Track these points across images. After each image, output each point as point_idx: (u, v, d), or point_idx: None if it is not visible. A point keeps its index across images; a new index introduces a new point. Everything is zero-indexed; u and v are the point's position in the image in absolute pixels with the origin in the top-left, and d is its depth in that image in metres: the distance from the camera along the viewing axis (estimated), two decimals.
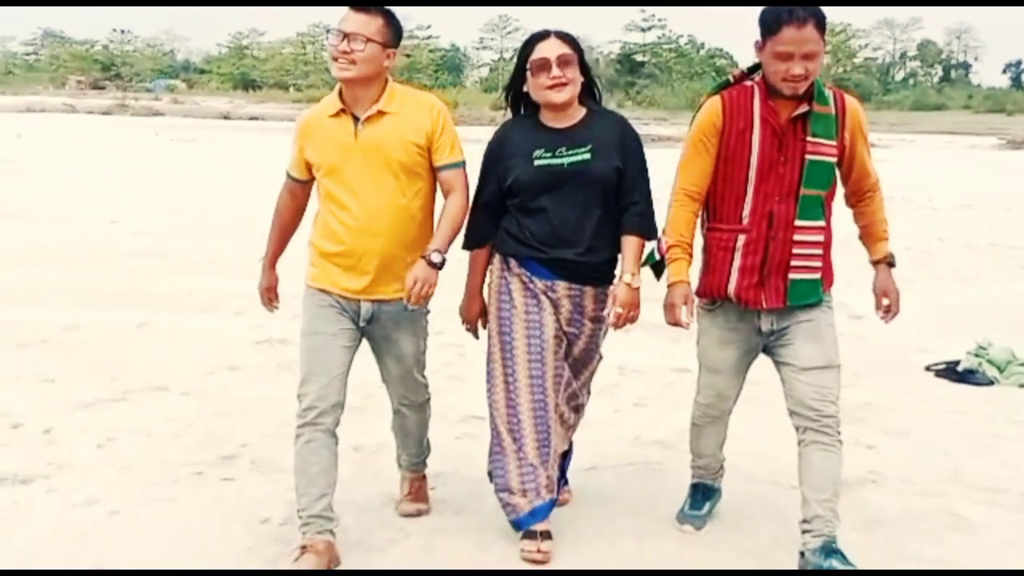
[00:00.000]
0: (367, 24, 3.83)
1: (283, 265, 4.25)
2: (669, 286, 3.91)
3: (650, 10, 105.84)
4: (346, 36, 3.80)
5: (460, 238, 4.06)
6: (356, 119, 3.89)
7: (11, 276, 9.47)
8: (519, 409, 3.99)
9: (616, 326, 3.95)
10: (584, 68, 3.99)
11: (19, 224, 12.82)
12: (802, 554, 3.79)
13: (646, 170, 4.04)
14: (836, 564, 3.67)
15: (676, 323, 3.88)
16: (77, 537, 4.09)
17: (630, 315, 3.93)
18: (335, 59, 3.82)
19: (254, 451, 5.08)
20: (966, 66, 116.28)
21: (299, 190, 4.13)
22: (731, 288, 3.86)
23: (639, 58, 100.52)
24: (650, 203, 4.03)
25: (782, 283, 3.81)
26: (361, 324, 3.99)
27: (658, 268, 4.00)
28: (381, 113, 3.89)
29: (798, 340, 3.86)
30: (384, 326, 4.03)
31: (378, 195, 3.87)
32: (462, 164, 4.01)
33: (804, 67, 3.62)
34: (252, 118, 48.54)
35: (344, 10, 3.87)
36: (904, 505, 4.51)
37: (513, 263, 4.03)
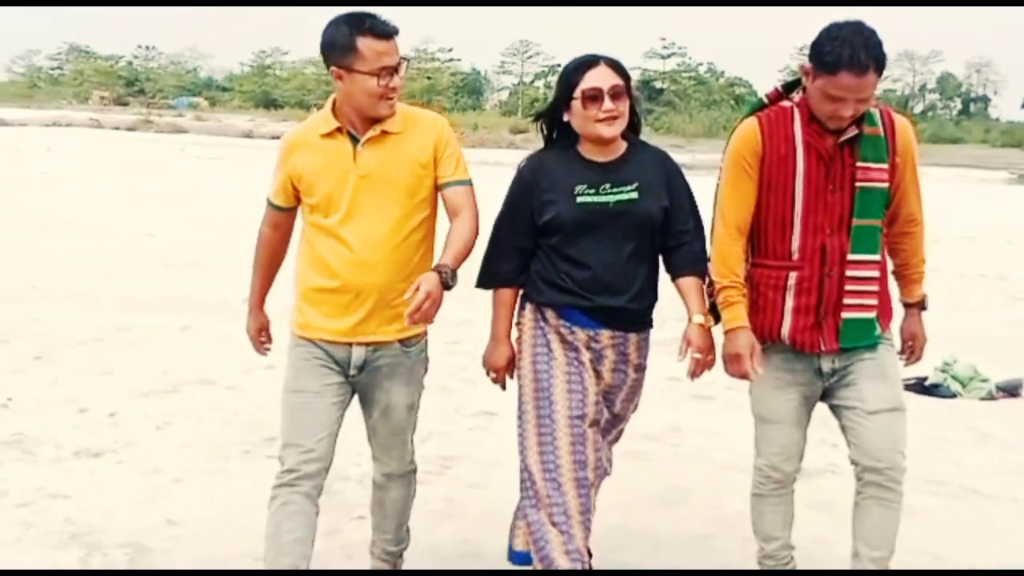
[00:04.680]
0: (398, 47, 3.48)
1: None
2: (727, 332, 3.57)
3: (670, 37, 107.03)
4: (395, 69, 3.45)
5: (471, 275, 3.67)
6: (355, 140, 3.53)
7: (63, 282, 10.33)
8: (560, 476, 3.55)
9: (695, 374, 3.62)
10: (630, 99, 3.62)
11: (65, 234, 13.69)
12: None
13: (696, 205, 3.73)
14: None
15: (743, 375, 3.55)
16: (148, 499, 4.82)
17: (708, 360, 3.59)
18: (384, 97, 3.45)
19: None
20: (985, 100, 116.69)
21: (284, 220, 3.72)
22: (785, 331, 3.54)
23: (658, 85, 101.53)
24: (704, 240, 3.72)
25: (838, 323, 3.51)
26: (351, 373, 3.61)
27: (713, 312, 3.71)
28: (384, 134, 3.52)
29: (863, 380, 3.55)
30: (377, 374, 3.64)
31: (378, 224, 3.50)
32: (470, 183, 3.66)
33: (855, 109, 3.33)
34: (274, 137, 49.39)
35: (373, 43, 3.40)
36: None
37: (550, 313, 3.64)
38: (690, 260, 3.68)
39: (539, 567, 3.54)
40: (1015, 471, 5.68)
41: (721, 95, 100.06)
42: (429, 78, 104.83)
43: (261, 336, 3.88)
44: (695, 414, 6.50)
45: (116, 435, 5.73)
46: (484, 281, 3.74)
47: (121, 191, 19.68)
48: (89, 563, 4.15)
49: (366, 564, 4.04)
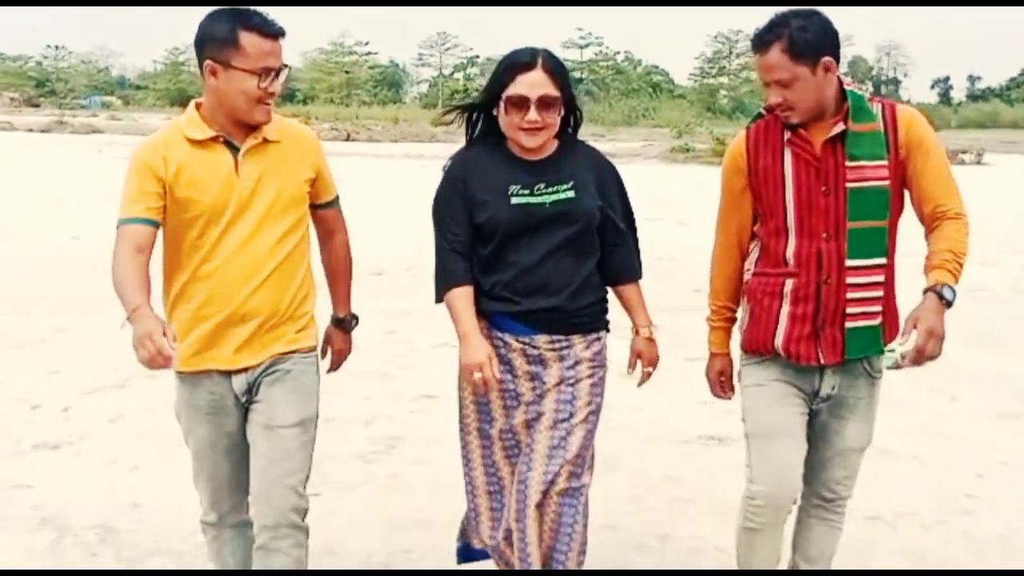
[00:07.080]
0: (283, 50, 3.20)
1: None
2: (710, 355, 3.64)
3: (588, 27, 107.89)
4: (278, 72, 3.16)
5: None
6: (233, 149, 3.20)
7: None
8: (502, 480, 3.59)
9: (641, 383, 3.73)
10: (569, 101, 3.45)
11: None
12: None
13: (630, 204, 3.62)
14: None
15: (717, 396, 3.71)
16: (109, 485, 5.10)
17: (655, 369, 3.68)
18: (261, 101, 3.14)
19: None
20: (896, 82, 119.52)
21: (149, 240, 3.16)
22: (779, 340, 3.34)
23: (577, 75, 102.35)
24: (636, 240, 3.63)
25: (839, 334, 3.28)
26: (243, 400, 3.33)
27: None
28: (266, 142, 3.23)
29: (853, 419, 3.43)
30: (260, 387, 3.30)
31: (263, 239, 3.21)
32: (338, 198, 3.56)
33: (780, 95, 3.19)
34: None
35: (259, 40, 3.11)
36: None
37: (481, 324, 3.43)
38: (626, 265, 3.59)
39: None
40: (916, 431, 6.20)
41: (639, 84, 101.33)
42: (347, 72, 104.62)
43: (163, 333, 2.86)
44: (622, 391, 6.87)
45: (71, 429, 5.96)
46: (441, 290, 3.45)
47: (42, 194, 19.55)
48: (62, 543, 4.42)
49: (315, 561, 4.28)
